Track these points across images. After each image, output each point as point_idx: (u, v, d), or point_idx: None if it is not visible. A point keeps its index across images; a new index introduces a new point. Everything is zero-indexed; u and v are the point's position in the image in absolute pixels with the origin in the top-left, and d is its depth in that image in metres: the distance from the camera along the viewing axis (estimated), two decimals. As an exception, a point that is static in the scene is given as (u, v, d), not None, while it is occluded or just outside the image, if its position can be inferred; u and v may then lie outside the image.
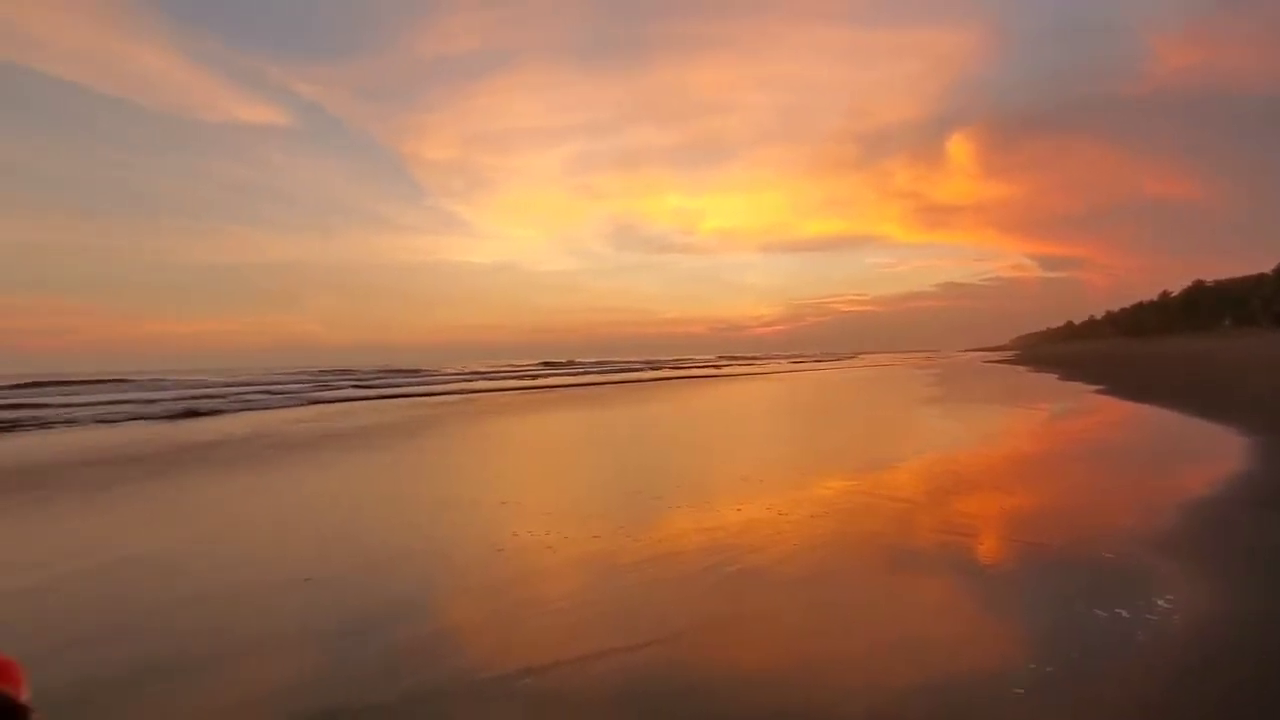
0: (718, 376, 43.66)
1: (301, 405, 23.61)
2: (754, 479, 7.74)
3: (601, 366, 68.40)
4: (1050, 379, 27.73)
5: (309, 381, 40.37)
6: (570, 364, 77.46)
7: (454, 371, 59.60)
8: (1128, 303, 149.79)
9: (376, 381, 40.91)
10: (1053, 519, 5.57)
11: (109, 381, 39.56)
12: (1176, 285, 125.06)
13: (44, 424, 17.68)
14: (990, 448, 9.73)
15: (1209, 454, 8.49)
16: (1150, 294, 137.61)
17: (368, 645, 3.53)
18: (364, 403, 24.56)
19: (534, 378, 46.79)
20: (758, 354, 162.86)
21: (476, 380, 43.80)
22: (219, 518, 6.75)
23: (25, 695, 1.22)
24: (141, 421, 18.41)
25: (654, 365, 68.90)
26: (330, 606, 4.11)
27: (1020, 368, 42.34)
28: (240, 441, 13.47)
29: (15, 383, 35.28)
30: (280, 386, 34.69)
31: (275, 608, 4.11)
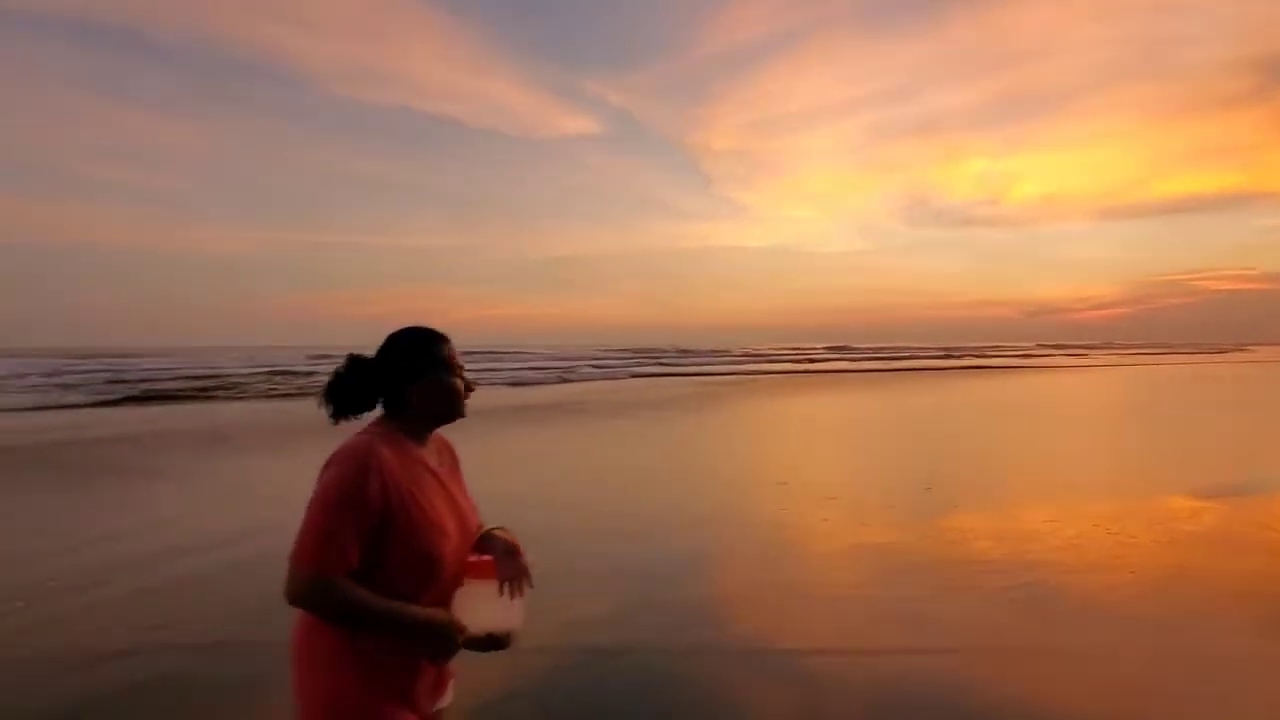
0: (1033, 367, 37.85)
1: (624, 379, 27.85)
2: (1076, 488, 6.64)
3: (890, 352, 64.11)
4: None
5: (621, 358, 45.39)
6: (857, 349, 74.10)
7: (742, 352, 61.35)
8: None
9: (677, 360, 44.27)
10: None
11: (476, 353, 49.12)
12: None
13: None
14: None
15: None
16: None
17: (660, 595, 3.90)
18: (671, 379, 27.90)
19: (814, 361, 45.87)
20: (1090, 342, 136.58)
21: (764, 362, 44.60)
22: (555, 467, 8.18)
23: None
24: (499, 387, 22.71)
25: (951, 352, 62.27)
26: (631, 557, 4.63)
27: None
28: (579, 407, 16.04)
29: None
30: (602, 362, 39.84)
31: (590, 551, 4.76)
